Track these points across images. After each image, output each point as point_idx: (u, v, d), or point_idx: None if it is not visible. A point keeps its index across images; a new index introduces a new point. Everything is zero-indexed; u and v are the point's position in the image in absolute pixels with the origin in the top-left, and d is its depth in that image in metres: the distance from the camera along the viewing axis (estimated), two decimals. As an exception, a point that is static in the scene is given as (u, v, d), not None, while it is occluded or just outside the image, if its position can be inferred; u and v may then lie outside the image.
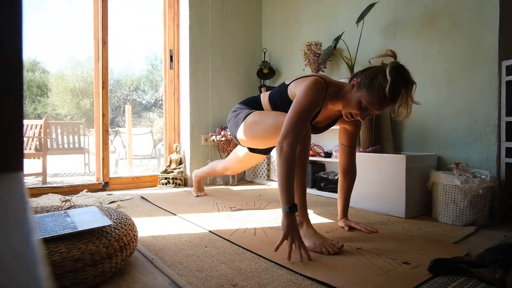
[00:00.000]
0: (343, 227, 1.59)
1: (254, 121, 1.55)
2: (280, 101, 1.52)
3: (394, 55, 1.32)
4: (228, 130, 1.74)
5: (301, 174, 1.34)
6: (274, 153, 2.88)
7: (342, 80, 1.90)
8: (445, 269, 1.07)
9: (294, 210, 1.21)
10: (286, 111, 1.36)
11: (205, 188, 2.82)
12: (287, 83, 1.50)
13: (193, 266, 1.13)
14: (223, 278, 1.04)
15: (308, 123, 1.30)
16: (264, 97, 1.64)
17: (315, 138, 2.87)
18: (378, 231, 1.53)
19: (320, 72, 1.32)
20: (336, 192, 2.38)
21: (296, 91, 1.39)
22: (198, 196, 2.42)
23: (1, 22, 0.34)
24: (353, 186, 1.64)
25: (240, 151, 1.97)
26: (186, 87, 3.04)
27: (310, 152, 2.67)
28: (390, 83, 1.22)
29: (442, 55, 2.05)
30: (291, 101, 1.39)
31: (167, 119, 3.16)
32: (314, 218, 1.81)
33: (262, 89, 3.17)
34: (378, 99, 1.26)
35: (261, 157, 1.93)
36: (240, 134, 1.63)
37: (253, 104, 1.69)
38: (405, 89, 1.25)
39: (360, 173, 2.03)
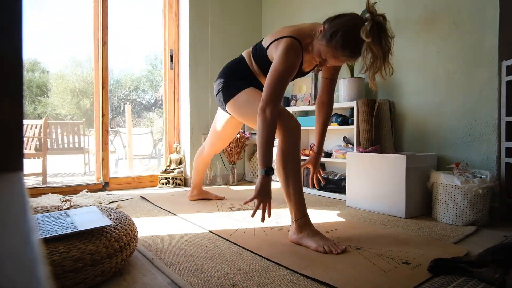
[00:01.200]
0: (308, 167, 1.70)
1: (245, 100, 1.58)
2: (263, 64, 1.57)
3: (372, 12, 1.20)
4: (217, 102, 1.76)
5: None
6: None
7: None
8: (445, 269, 1.07)
9: (270, 173, 1.30)
10: (264, 65, 1.50)
11: (204, 188, 2.82)
12: (264, 46, 1.51)
13: (193, 266, 1.13)
14: (223, 278, 1.04)
15: (286, 85, 1.36)
16: (250, 59, 1.63)
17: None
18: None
19: (292, 26, 1.30)
20: (336, 192, 2.39)
21: (273, 55, 1.42)
22: (218, 199, 2.31)
23: (1, 22, 0.34)
24: (329, 120, 1.69)
25: (218, 126, 2.02)
26: (186, 87, 3.04)
27: (310, 152, 2.67)
28: (343, 43, 1.22)
29: (442, 55, 2.05)
30: (270, 61, 1.47)
31: (167, 119, 3.16)
32: (314, 218, 1.80)
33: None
34: (333, 55, 1.28)
35: (238, 129, 2.06)
36: (231, 109, 1.65)
37: (238, 72, 1.65)
38: (371, 46, 1.16)
39: (360, 173, 2.03)
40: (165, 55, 3.15)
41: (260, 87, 1.61)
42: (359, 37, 1.18)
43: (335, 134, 2.69)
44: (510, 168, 1.78)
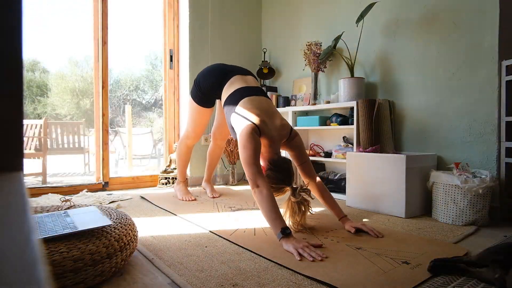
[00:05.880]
0: (349, 231, 1.52)
1: (191, 107, 2.22)
2: (228, 114, 1.80)
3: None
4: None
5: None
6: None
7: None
8: (445, 269, 1.07)
9: (288, 231, 1.31)
10: (231, 124, 1.73)
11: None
12: (235, 111, 1.71)
13: (193, 266, 1.13)
14: (223, 278, 1.04)
15: (259, 158, 1.53)
16: (224, 98, 1.91)
17: (315, 138, 2.87)
18: (384, 236, 1.46)
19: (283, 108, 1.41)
20: (336, 191, 2.38)
21: (235, 128, 1.67)
22: (187, 200, 2.28)
23: (1, 22, 0.34)
24: (324, 188, 1.69)
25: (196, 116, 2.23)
26: (186, 87, 3.04)
27: (310, 152, 2.67)
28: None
29: (442, 55, 2.05)
30: (232, 126, 1.73)
31: (167, 119, 3.16)
32: (315, 218, 1.81)
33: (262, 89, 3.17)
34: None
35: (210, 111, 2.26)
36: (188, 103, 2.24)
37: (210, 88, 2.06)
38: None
39: (360, 173, 2.03)
40: (165, 55, 3.15)
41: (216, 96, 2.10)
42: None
43: (335, 134, 2.69)
44: (510, 168, 1.78)
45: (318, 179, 1.70)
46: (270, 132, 1.62)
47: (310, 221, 1.73)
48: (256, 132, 1.57)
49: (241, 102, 1.71)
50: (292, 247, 1.24)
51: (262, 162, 1.63)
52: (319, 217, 1.80)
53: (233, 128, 1.74)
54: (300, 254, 1.20)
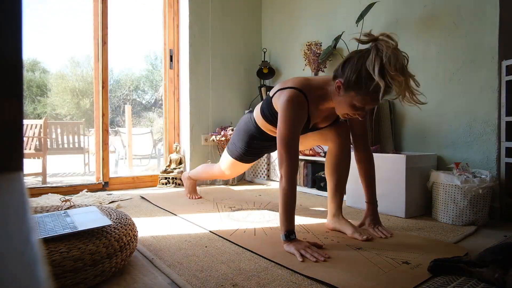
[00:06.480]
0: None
1: (228, 160, 1.87)
2: (269, 113, 1.50)
3: (374, 38, 1.22)
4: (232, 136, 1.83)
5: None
6: (274, 154, 2.88)
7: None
8: (445, 269, 1.07)
9: (292, 237, 1.25)
10: (275, 120, 1.43)
11: (205, 187, 2.82)
12: (271, 94, 1.48)
13: (193, 266, 1.13)
14: (223, 278, 1.04)
15: (297, 140, 1.31)
16: (257, 114, 1.59)
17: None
18: (393, 234, 1.45)
19: (301, 77, 1.29)
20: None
21: (278, 105, 1.37)
22: (192, 198, 2.32)
23: (1, 22, 0.34)
24: (372, 171, 1.53)
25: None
26: (186, 87, 3.04)
27: (310, 151, 2.67)
28: (376, 82, 1.14)
29: (442, 55, 2.05)
30: (277, 112, 1.41)
31: (167, 119, 3.16)
32: (315, 218, 1.81)
33: (262, 89, 3.17)
34: (372, 99, 1.22)
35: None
36: (225, 154, 1.89)
37: (249, 134, 1.66)
38: (398, 76, 1.13)
39: (360, 173, 2.03)
40: (165, 55, 3.15)
41: (266, 145, 1.70)
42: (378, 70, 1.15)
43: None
44: (510, 168, 1.78)
45: (370, 162, 1.54)
46: (318, 82, 1.36)
47: (310, 221, 1.73)
48: (296, 97, 1.30)
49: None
50: (293, 248, 1.22)
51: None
52: (319, 217, 1.80)
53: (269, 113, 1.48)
54: (302, 255, 1.18)
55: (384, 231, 1.47)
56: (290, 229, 1.27)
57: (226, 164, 1.91)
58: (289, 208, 1.27)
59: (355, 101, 1.25)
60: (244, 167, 1.92)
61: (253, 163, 1.93)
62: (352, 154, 1.59)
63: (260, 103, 1.61)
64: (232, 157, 1.82)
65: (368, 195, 1.54)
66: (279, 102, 1.35)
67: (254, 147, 1.70)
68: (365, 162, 1.54)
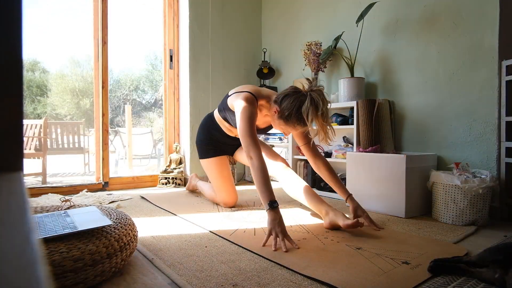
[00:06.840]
0: (357, 219, 1.49)
1: (205, 168, 2.12)
2: (223, 109, 1.85)
3: (311, 82, 1.50)
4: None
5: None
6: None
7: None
8: (445, 269, 1.07)
9: (275, 205, 1.37)
10: (227, 117, 1.84)
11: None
12: (229, 94, 1.77)
13: (193, 266, 1.13)
14: (223, 278, 1.04)
15: (255, 131, 1.56)
16: (216, 112, 1.98)
17: (315, 138, 2.87)
18: (384, 236, 1.47)
19: (254, 85, 1.72)
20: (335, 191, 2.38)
21: (234, 105, 1.67)
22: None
23: (1, 22, 0.34)
24: (329, 167, 1.74)
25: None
26: (186, 87, 3.04)
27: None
28: (298, 121, 1.50)
29: (442, 55, 2.05)
30: (230, 109, 1.75)
31: (167, 119, 3.16)
32: (315, 218, 1.81)
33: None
34: (293, 130, 1.59)
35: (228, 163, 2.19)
36: (202, 164, 2.15)
37: (208, 127, 2.05)
38: (318, 117, 1.43)
39: (360, 173, 2.03)
40: (165, 55, 3.15)
41: (222, 141, 2.05)
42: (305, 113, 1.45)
43: (335, 134, 2.69)
44: (510, 168, 1.78)
45: (324, 159, 1.76)
46: (265, 93, 1.69)
47: (310, 221, 1.73)
48: (250, 100, 1.61)
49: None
50: (270, 226, 1.33)
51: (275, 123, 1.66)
52: (319, 217, 1.80)
53: (229, 110, 1.79)
54: (275, 239, 1.29)
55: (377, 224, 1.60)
56: (272, 199, 1.39)
57: (210, 180, 2.12)
58: (266, 181, 1.43)
59: (282, 126, 1.59)
60: (224, 179, 2.06)
61: (230, 178, 2.09)
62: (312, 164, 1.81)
63: (218, 105, 1.96)
64: (201, 158, 2.11)
65: (343, 191, 1.70)
66: (235, 103, 1.65)
67: (211, 138, 2.05)
68: (323, 164, 1.74)
